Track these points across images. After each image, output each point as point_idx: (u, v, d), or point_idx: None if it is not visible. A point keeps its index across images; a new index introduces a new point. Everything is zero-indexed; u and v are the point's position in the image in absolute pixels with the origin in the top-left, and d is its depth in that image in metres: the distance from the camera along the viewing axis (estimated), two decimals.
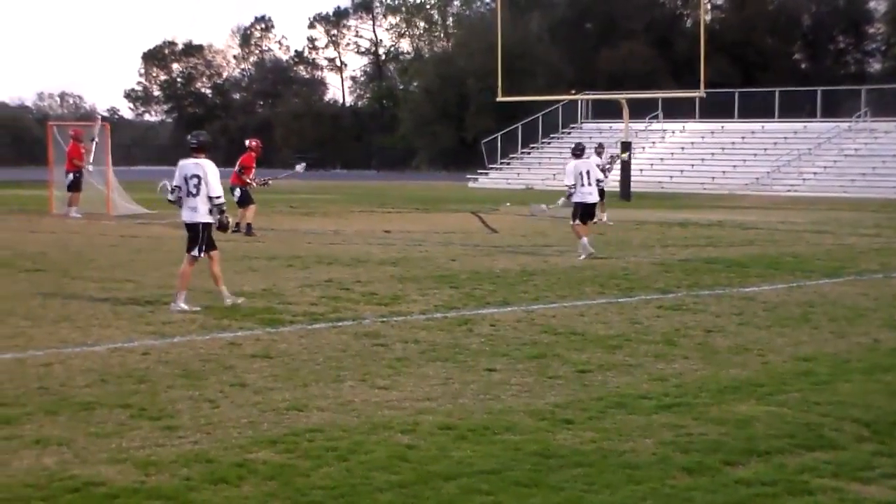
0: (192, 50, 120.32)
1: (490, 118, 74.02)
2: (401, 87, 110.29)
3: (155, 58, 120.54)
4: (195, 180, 13.64)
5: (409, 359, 10.59)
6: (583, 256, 19.73)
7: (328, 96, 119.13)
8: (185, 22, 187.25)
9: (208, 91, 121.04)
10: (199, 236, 13.76)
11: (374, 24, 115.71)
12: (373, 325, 12.45)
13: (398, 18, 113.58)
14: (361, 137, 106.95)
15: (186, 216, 13.81)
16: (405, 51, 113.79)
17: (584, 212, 20.60)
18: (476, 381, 9.64)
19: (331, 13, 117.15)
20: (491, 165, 63.98)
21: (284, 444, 7.53)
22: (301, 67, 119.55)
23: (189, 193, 13.66)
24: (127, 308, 13.51)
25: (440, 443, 7.64)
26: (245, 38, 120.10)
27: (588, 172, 20.63)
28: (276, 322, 12.60)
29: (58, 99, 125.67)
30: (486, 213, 29.41)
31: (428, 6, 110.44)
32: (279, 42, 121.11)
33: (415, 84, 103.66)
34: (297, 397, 8.93)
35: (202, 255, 13.79)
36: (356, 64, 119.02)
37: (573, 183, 20.44)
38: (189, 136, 14.12)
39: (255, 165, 25.65)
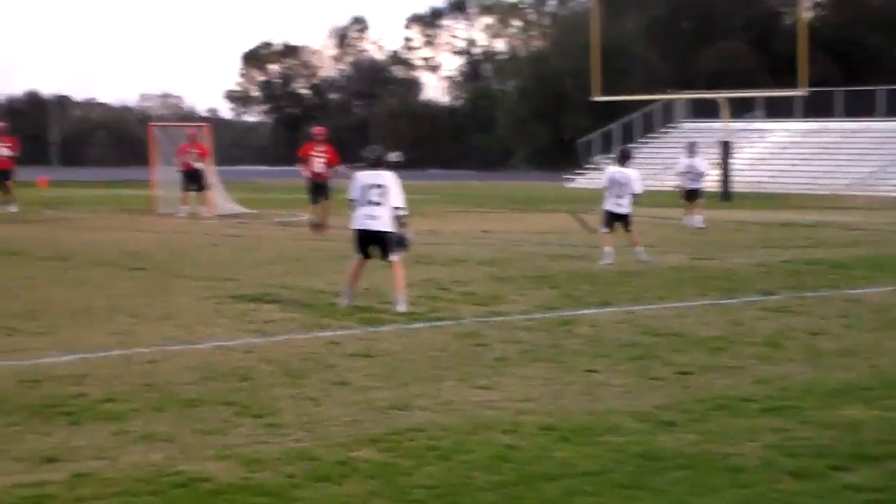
0: (289, 51, 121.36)
1: (586, 118, 73.66)
2: (496, 86, 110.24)
3: (254, 59, 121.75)
4: (377, 189, 13.59)
5: (510, 359, 10.57)
6: (602, 262, 18.80)
7: (424, 96, 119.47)
8: (282, 23, 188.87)
9: (306, 91, 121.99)
10: (389, 242, 13.70)
11: (469, 24, 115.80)
12: (472, 325, 12.45)
13: (493, 18, 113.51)
14: (458, 137, 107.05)
15: (369, 224, 13.68)
16: (500, 50, 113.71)
17: (613, 221, 19.46)
18: (577, 382, 9.59)
19: (426, 13, 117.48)
20: (587, 165, 63.70)
21: (386, 443, 7.55)
22: (397, 67, 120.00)
23: (369, 202, 13.58)
24: (229, 306, 13.66)
25: (542, 443, 7.60)
26: (341, 38, 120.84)
27: (621, 184, 19.53)
28: (376, 321, 12.65)
29: (159, 100, 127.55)
30: (583, 212, 29.29)
31: (523, 6, 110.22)
32: (375, 42, 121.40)
33: (510, 84, 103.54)
34: (397, 396, 8.95)
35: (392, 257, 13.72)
36: (452, 64, 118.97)
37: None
38: (366, 151, 14.31)
39: (314, 155, 25.44)
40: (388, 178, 13.67)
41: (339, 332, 11.94)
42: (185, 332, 11.83)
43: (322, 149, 25.59)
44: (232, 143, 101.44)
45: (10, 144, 31.31)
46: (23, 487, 6.46)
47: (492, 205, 39.35)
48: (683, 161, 29.60)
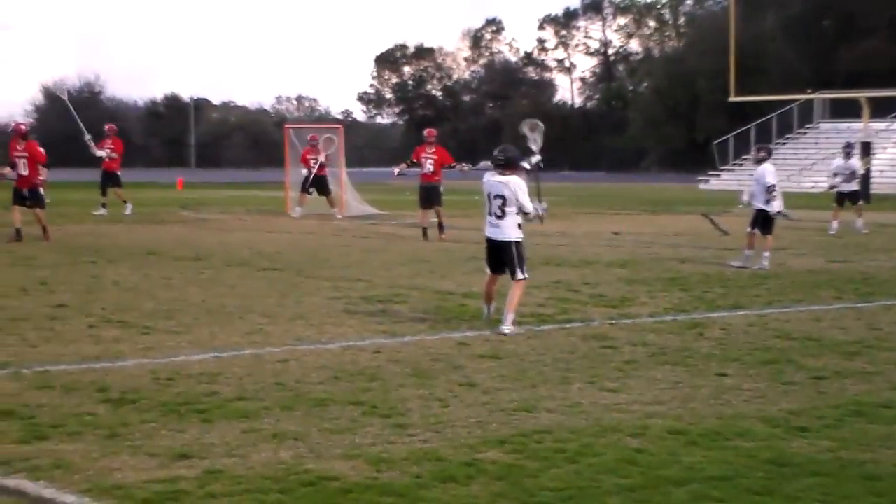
0: (423, 53, 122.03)
1: (722, 119, 72.78)
2: (630, 87, 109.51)
3: (387, 61, 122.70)
4: (499, 201, 12.51)
5: (638, 362, 10.48)
6: (734, 264, 18.61)
7: (557, 97, 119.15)
8: (416, 25, 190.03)
9: (438, 93, 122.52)
10: (512, 256, 12.57)
11: (603, 25, 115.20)
12: (601, 327, 12.38)
13: (628, 18, 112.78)
14: (590, 138, 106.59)
15: (492, 233, 12.73)
16: (635, 51, 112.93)
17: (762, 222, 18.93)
18: (707, 386, 9.47)
19: (560, 14, 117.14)
20: (722, 167, 62.90)
21: (513, 445, 7.54)
22: (530, 69, 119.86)
23: (493, 214, 12.59)
24: (359, 307, 13.77)
25: (670, 447, 7.52)
26: (475, 40, 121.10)
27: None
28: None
29: (294, 102, 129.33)
30: (717, 214, 28.92)
31: (659, 6, 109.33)
32: (509, 44, 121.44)
33: (644, 84, 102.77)
34: (525, 398, 8.93)
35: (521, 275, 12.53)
36: (585, 65, 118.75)
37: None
38: (496, 152, 12.89)
39: (425, 157, 25.13)
40: (512, 185, 12.48)
41: (467, 334, 11.96)
42: (316, 332, 11.97)
43: (432, 150, 25.21)
44: (364, 145, 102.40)
45: (113, 146, 31.80)
46: (157, 483, 6.58)
47: (623, 206, 39.08)
48: (839, 162, 28.66)
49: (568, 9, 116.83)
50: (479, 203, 28.64)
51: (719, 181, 60.42)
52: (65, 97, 35.59)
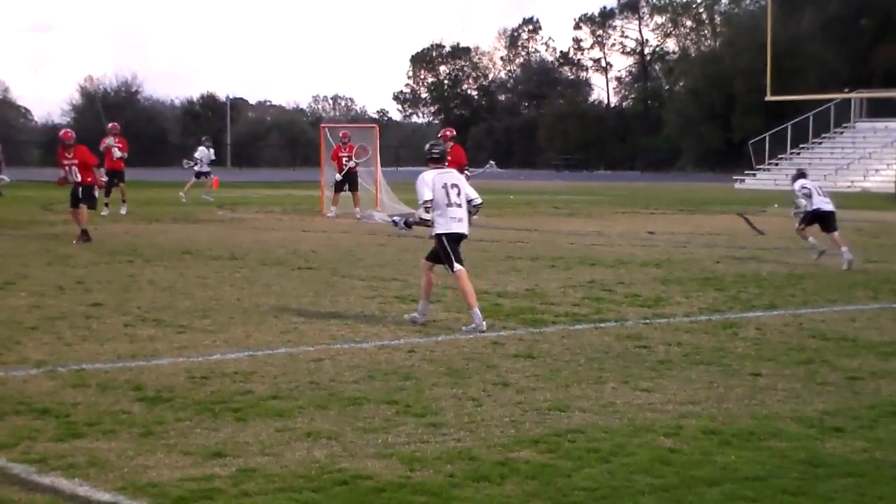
0: (458, 52, 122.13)
1: (758, 118, 72.59)
2: (666, 87, 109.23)
3: (423, 60, 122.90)
4: (456, 189, 12.75)
5: (672, 361, 10.46)
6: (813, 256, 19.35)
7: (593, 97, 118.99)
8: (452, 25, 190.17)
9: (474, 93, 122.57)
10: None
11: (639, 24, 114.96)
12: (635, 327, 12.36)
13: (664, 18, 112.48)
14: (626, 138, 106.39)
15: (460, 228, 12.79)
16: (671, 50, 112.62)
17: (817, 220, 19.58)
18: (741, 386, 9.44)
19: (596, 14, 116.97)
20: (758, 166, 62.65)
21: (546, 444, 7.53)
22: (566, 68, 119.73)
23: (455, 204, 12.70)
24: (393, 306, 13.80)
25: (704, 447, 7.51)
26: (512, 39, 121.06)
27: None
28: (539, 322, 12.65)
29: (330, 101, 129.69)
30: (752, 214, 28.80)
31: (695, 5, 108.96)
32: (546, 43, 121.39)
33: (680, 84, 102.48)
34: (558, 398, 8.93)
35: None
36: (621, 64, 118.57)
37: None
38: (432, 146, 13.22)
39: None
40: (458, 176, 13.01)
41: (501, 333, 11.97)
42: (350, 331, 12.00)
43: (448, 150, 25.08)
44: (400, 144, 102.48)
45: (121, 145, 31.69)
46: (191, 481, 6.62)
47: (658, 206, 38.97)
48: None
49: (604, 8, 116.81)
50: (514, 202, 28.63)
51: (755, 181, 60.21)
52: (98, 105, 35.82)
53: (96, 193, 22.70)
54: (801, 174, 20.47)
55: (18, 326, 11.88)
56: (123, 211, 30.62)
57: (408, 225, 13.72)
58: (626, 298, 14.60)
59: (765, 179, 59.43)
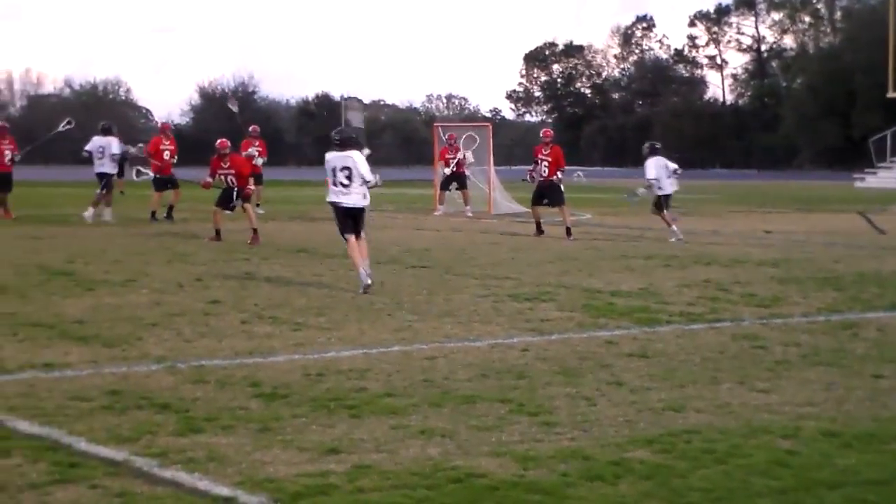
0: (572, 50, 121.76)
1: (879, 115, 71.19)
2: (783, 84, 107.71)
3: (536, 59, 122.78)
4: (346, 172, 15.02)
5: (790, 362, 10.31)
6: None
7: (708, 95, 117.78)
8: (566, 23, 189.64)
9: (587, 91, 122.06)
10: (364, 219, 15.38)
11: (756, 21, 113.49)
12: (752, 327, 12.20)
13: (782, 14, 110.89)
14: (742, 136, 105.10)
15: (344, 200, 15.15)
16: (788, 47, 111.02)
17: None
18: (862, 388, 9.27)
19: (712, 10, 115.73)
20: (880, 164, 61.48)
21: (661, 445, 7.48)
22: (681, 66, 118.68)
23: (339, 184, 15.09)
24: (507, 305, 13.80)
25: (823, 450, 7.39)
26: (626, 37, 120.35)
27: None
28: (653, 321, 12.56)
29: (444, 100, 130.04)
30: (873, 213, 28.26)
31: (814, 0, 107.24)
32: (660, 41, 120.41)
33: (798, 81, 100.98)
34: (673, 398, 8.86)
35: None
36: (737, 61, 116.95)
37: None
38: (334, 133, 15.65)
39: (541, 159, 24.78)
40: (355, 158, 15.14)
41: (615, 332, 11.91)
42: (464, 329, 12.03)
43: (548, 151, 24.89)
44: (513, 143, 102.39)
45: (261, 149, 31.81)
46: (307, 476, 6.69)
47: (775, 204, 38.44)
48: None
49: (720, 5, 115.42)
50: (627, 202, 28.48)
51: (876, 179, 59.11)
52: (235, 108, 36.22)
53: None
54: (653, 149, 21.57)
55: (140, 322, 12.11)
56: (261, 211, 31.08)
57: None
58: (742, 298, 14.43)
59: (887, 178, 58.29)
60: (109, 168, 28.00)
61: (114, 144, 28.25)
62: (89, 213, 26.87)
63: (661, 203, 23.60)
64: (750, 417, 8.25)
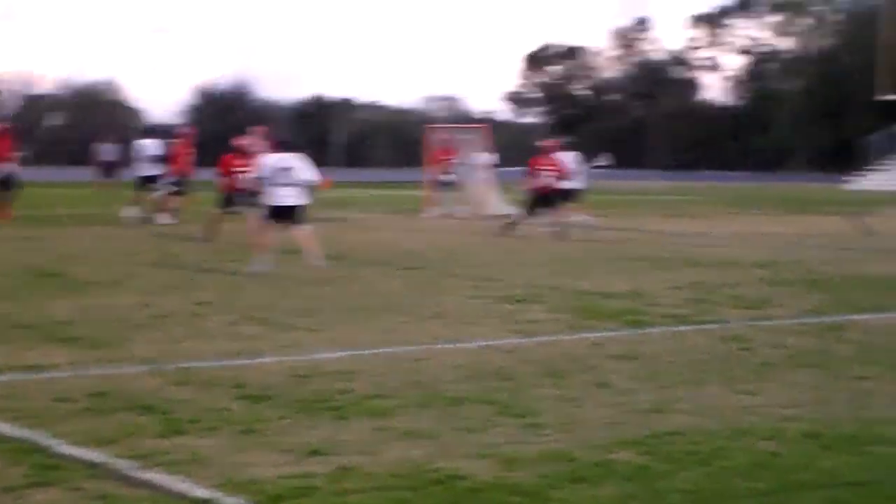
0: (570, 52, 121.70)
1: (873, 118, 71.35)
2: (779, 86, 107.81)
3: (534, 60, 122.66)
4: (287, 171, 16.88)
5: (776, 364, 10.33)
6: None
7: (704, 97, 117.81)
8: (564, 25, 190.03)
9: (584, 92, 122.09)
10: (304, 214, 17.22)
11: (753, 22, 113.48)
12: (738, 329, 12.22)
13: (779, 16, 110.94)
14: (737, 138, 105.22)
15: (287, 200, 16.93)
16: (785, 49, 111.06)
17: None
18: (845, 390, 9.29)
19: (710, 12, 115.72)
20: (871, 167, 61.62)
21: (645, 446, 7.48)
22: (678, 68, 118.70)
23: (281, 184, 16.84)
24: (496, 306, 13.81)
25: (805, 451, 7.40)
26: (623, 39, 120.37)
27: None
28: (641, 323, 12.57)
29: (440, 102, 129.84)
30: (864, 215, 28.32)
31: (813, 3, 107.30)
32: (657, 43, 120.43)
33: (794, 83, 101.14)
34: (658, 399, 8.86)
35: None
36: (734, 63, 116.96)
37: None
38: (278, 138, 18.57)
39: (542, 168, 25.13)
40: (297, 159, 17.20)
41: (603, 334, 11.92)
42: (453, 331, 12.03)
43: (548, 161, 25.13)
44: (509, 145, 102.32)
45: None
46: (289, 478, 6.68)
47: (766, 206, 38.49)
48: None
49: (718, 7, 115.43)
50: (619, 203, 28.45)
51: (867, 181, 59.22)
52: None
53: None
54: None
55: (127, 324, 12.10)
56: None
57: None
58: (730, 300, 14.46)
59: (878, 180, 58.40)
60: (151, 170, 27.98)
61: (154, 147, 28.37)
62: (159, 217, 26.85)
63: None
64: (734, 419, 8.26)
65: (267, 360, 10.32)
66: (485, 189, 33.14)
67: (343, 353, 10.65)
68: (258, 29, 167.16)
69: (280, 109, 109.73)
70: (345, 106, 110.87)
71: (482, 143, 33.98)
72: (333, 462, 7.04)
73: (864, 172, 61.47)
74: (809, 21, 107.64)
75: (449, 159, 32.14)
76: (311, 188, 17.46)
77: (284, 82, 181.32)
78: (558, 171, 24.96)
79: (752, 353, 10.85)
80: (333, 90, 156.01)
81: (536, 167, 25.14)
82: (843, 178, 61.39)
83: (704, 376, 9.76)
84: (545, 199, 24.79)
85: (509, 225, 24.84)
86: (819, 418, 8.29)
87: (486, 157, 32.81)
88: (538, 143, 26.31)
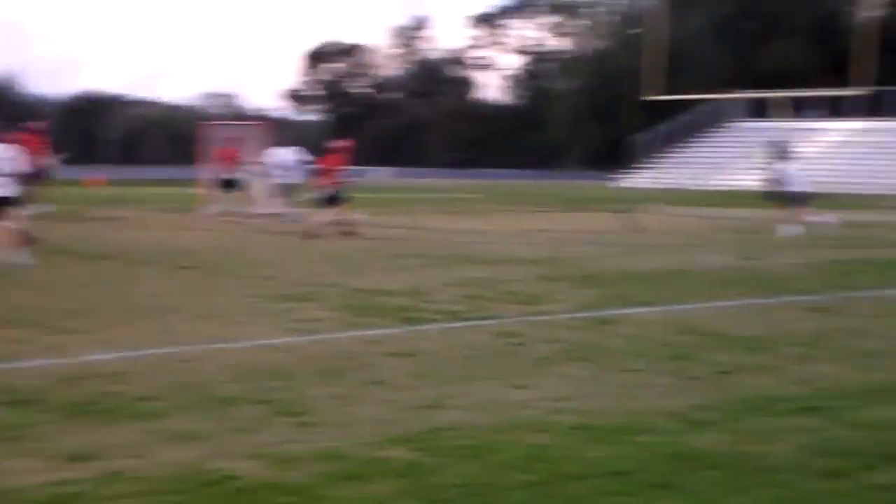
0: (349, 50, 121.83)
1: (642, 117, 73.54)
2: (554, 85, 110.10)
3: (314, 58, 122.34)
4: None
5: (549, 358, 10.53)
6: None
7: (483, 95, 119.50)
8: (344, 23, 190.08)
9: (363, 90, 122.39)
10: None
11: (531, 23, 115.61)
12: (514, 325, 12.41)
13: (554, 17, 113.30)
14: (514, 136, 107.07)
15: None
16: (560, 49, 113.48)
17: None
18: (615, 382, 9.54)
19: (488, 12, 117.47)
20: (639, 164, 63.54)
21: (418, 442, 7.52)
22: (456, 66, 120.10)
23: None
24: (271, 305, 13.70)
25: (575, 443, 7.57)
26: (402, 38, 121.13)
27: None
28: (418, 320, 12.66)
29: (217, 98, 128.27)
30: (634, 212, 29.17)
31: (590, 4, 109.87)
32: (435, 42, 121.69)
33: (568, 83, 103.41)
34: (433, 395, 8.93)
35: None
36: (511, 63, 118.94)
37: None
38: None
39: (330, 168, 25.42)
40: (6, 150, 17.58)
41: (379, 331, 11.95)
42: (226, 330, 11.88)
43: (334, 160, 25.36)
44: (289, 142, 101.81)
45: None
46: (54, 485, 6.49)
47: (541, 204, 39.26)
48: (780, 166, 28.27)
49: (495, 7, 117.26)
50: (387, 201, 28.58)
51: (632, 179, 60.99)
52: None
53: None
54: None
55: None
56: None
57: None
58: (506, 296, 14.68)
59: (646, 178, 60.25)
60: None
61: (291, 156, 29.49)
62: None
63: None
64: (506, 413, 8.38)
65: (34, 363, 9.99)
66: (268, 188, 32.85)
67: (114, 355, 10.39)
68: (30, 22, 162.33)
69: (48, 104, 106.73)
70: (118, 102, 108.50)
71: (264, 141, 33.73)
72: (101, 467, 6.87)
73: (631, 170, 63.28)
74: (585, 22, 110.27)
75: (232, 157, 31.79)
76: (20, 180, 17.83)
77: (56, 77, 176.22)
78: (343, 170, 25.02)
79: (526, 348, 11.04)
80: (109, 86, 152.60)
81: (326, 166, 25.10)
82: (611, 176, 63.11)
83: (479, 372, 9.88)
84: (330, 199, 24.76)
85: (307, 230, 24.52)
86: (589, 410, 8.48)
87: (291, 155, 32.40)
88: (327, 144, 26.21)
